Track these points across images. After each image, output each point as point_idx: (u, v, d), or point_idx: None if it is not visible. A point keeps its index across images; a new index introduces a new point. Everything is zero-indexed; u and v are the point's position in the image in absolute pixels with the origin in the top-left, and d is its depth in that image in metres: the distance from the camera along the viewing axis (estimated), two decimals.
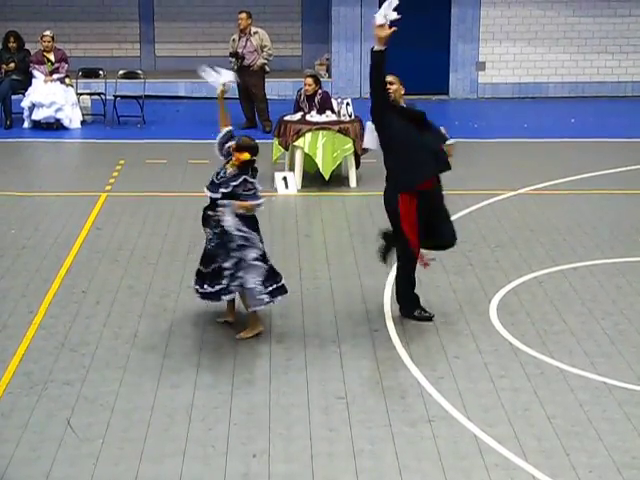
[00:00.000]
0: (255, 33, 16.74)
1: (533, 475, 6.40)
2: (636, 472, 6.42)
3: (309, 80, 13.91)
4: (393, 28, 8.47)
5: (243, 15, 16.77)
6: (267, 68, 16.90)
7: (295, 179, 13.31)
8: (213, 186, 8.33)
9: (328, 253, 10.67)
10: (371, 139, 8.90)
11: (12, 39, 17.55)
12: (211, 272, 8.35)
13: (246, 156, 8.30)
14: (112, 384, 7.59)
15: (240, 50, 16.69)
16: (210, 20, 21.42)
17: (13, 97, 17.36)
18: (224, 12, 21.12)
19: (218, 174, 8.39)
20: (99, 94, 17.71)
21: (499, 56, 20.71)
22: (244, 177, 8.28)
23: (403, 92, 8.73)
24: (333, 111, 13.70)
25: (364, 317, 8.90)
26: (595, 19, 20.53)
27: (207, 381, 7.67)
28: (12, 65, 17.34)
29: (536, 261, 10.40)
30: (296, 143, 13.43)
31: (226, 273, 8.24)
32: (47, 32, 17.50)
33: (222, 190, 8.25)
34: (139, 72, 18.43)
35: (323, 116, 13.59)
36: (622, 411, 7.21)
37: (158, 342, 8.35)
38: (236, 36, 16.85)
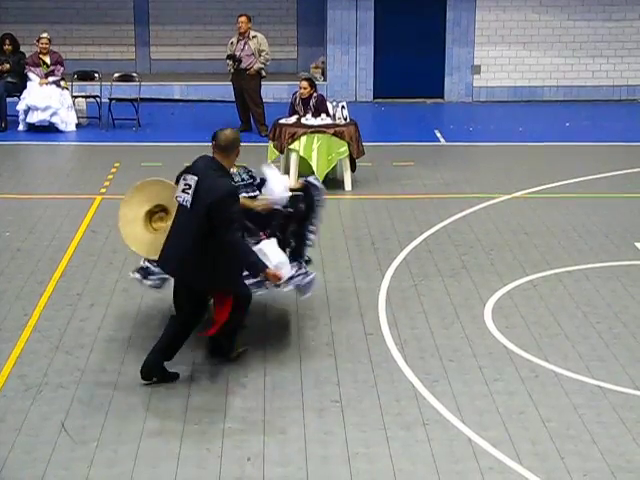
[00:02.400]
0: (254, 37, 16.77)
1: (528, 478, 6.39)
2: (630, 476, 6.43)
3: (304, 83, 13.93)
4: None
5: (243, 18, 16.80)
6: (263, 72, 16.91)
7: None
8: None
9: (323, 256, 10.67)
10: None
11: (8, 41, 17.53)
12: None
13: None
14: (106, 387, 7.58)
15: (238, 53, 16.72)
16: (205, 23, 21.45)
17: (8, 100, 17.35)
18: (219, 15, 21.17)
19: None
20: (94, 97, 17.73)
21: (494, 60, 20.75)
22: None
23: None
24: (328, 114, 13.72)
25: (359, 320, 8.90)
26: (590, 23, 20.58)
27: (201, 384, 7.66)
28: (7, 66, 17.34)
29: (531, 264, 10.41)
30: (291, 146, 13.44)
31: None
32: (44, 34, 17.51)
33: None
34: (134, 75, 18.45)
35: (318, 119, 13.60)
36: (617, 415, 7.21)
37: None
38: (234, 39, 16.88)
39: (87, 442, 6.78)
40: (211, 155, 7.54)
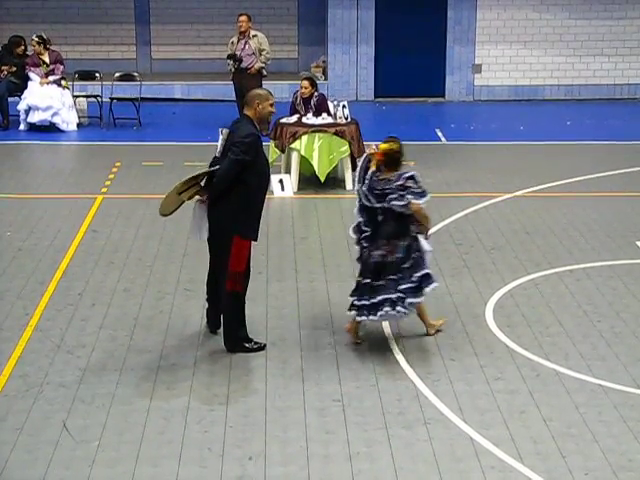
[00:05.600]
0: (254, 36, 16.76)
1: (529, 477, 6.40)
2: (632, 474, 6.43)
3: (305, 83, 13.92)
4: None
5: (244, 18, 16.80)
6: (264, 72, 16.91)
7: (291, 181, 13.32)
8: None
9: (324, 255, 10.68)
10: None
11: (23, 44, 17.62)
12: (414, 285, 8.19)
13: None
14: (108, 386, 7.59)
15: (238, 52, 16.71)
16: (206, 22, 21.44)
17: (9, 100, 17.37)
18: (220, 14, 21.16)
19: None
20: (95, 96, 17.73)
21: (495, 59, 20.74)
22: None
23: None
24: (329, 113, 13.72)
25: None
26: (591, 22, 20.56)
27: (203, 383, 7.66)
28: (14, 68, 17.36)
29: (532, 263, 10.41)
30: (292, 145, 13.43)
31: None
32: (33, 36, 17.46)
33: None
34: (135, 74, 18.45)
35: (319, 118, 13.59)
36: (618, 413, 7.21)
37: (154, 344, 8.35)
38: (235, 38, 16.87)
39: (89, 441, 6.79)
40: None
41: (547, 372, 7.90)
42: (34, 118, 17.07)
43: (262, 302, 9.12)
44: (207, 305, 8.59)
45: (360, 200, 8.44)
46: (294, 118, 13.72)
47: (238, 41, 16.79)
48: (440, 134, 17.34)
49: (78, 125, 17.40)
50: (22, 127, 17.22)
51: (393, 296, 8.08)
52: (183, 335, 8.55)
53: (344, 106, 13.81)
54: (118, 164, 14.66)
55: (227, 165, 7.95)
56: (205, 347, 8.30)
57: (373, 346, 8.35)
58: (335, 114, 13.73)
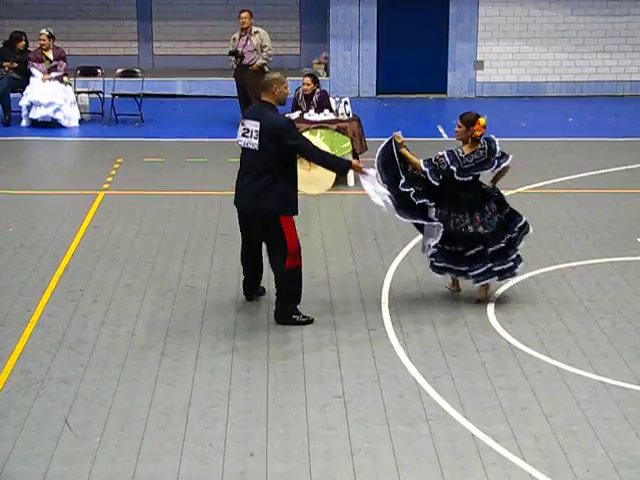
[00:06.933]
0: (256, 33, 16.76)
1: (530, 474, 6.40)
2: (633, 471, 6.43)
3: (308, 79, 13.91)
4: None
5: (245, 14, 16.81)
6: (266, 68, 16.89)
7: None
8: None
9: (326, 252, 10.67)
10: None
11: (24, 39, 17.63)
12: (498, 250, 8.98)
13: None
14: (110, 382, 7.59)
15: (240, 49, 16.71)
16: (208, 19, 21.43)
17: (11, 95, 17.38)
18: (222, 11, 21.16)
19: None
20: (97, 92, 17.74)
21: (497, 55, 20.73)
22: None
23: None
24: (331, 110, 13.71)
25: (362, 316, 8.90)
26: (593, 18, 20.55)
27: (205, 380, 7.67)
28: (16, 64, 17.37)
29: (534, 260, 10.38)
30: None
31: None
32: (43, 30, 17.49)
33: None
34: (137, 70, 18.44)
35: (321, 115, 13.59)
36: (620, 410, 7.21)
37: (156, 340, 8.35)
38: (237, 35, 16.88)
39: (90, 438, 6.79)
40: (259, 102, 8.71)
41: (549, 369, 7.90)
42: (36, 114, 17.07)
43: (263, 298, 9.12)
44: (245, 279, 9.10)
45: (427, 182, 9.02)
46: (296, 114, 13.70)
47: (240, 37, 16.79)
48: (442, 130, 17.33)
49: (80, 121, 17.41)
50: (24, 123, 17.23)
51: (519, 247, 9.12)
52: (184, 331, 8.55)
53: (346, 102, 13.80)
54: (120, 160, 14.66)
55: (308, 147, 8.53)
56: (206, 343, 8.30)
57: (374, 342, 8.35)
58: (337, 110, 13.73)
